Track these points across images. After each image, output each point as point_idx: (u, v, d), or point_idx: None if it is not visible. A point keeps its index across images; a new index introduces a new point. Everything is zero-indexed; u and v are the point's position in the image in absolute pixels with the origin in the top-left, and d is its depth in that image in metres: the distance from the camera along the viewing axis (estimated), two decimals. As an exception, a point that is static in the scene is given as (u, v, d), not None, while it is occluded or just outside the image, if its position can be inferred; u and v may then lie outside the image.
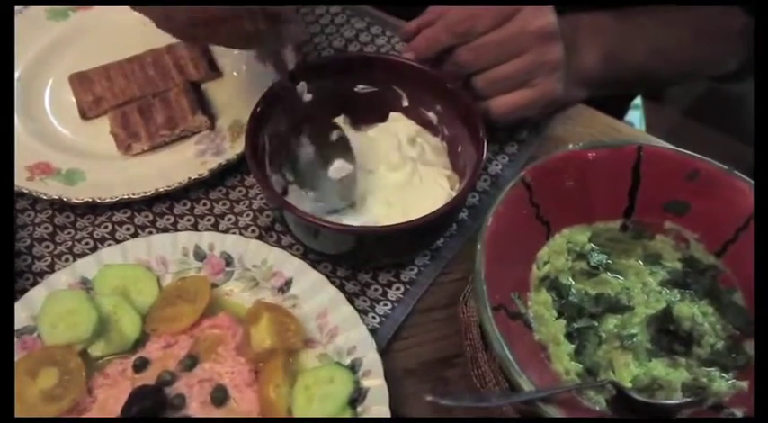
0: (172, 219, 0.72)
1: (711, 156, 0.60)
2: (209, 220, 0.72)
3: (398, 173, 0.69)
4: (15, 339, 0.60)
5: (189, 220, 0.72)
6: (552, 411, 0.49)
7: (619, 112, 1.11)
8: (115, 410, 0.57)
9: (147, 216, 0.72)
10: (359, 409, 0.58)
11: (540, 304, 0.59)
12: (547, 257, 0.61)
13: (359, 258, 0.66)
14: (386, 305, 0.66)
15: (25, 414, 0.56)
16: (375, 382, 0.59)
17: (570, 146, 0.61)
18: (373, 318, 0.65)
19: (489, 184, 0.75)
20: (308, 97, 0.69)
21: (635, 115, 1.45)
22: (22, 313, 0.61)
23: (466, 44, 0.67)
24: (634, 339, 0.57)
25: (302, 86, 0.69)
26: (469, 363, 0.63)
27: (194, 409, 0.58)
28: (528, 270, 0.61)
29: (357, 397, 0.58)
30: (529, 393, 0.49)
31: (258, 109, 0.66)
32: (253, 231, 0.71)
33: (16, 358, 0.58)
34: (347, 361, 0.60)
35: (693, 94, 1.81)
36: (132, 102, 0.79)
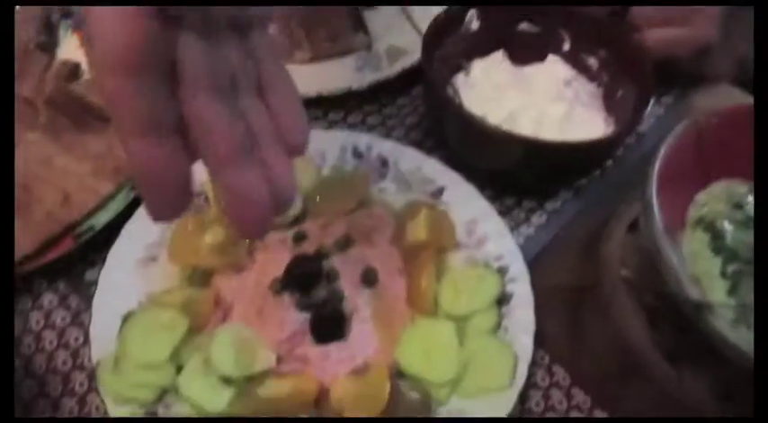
0: (326, 124, 0.75)
1: None
2: (361, 130, 0.74)
3: (555, 107, 0.70)
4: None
5: (341, 129, 0.75)
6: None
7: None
8: (273, 273, 0.60)
9: (303, 117, 0.75)
10: (503, 309, 0.60)
11: (695, 241, 0.59)
12: (705, 201, 0.62)
13: (512, 176, 0.68)
14: (528, 228, 0.68)
15: (195, 263, 0.59)
16: (521, 289, 0.61)
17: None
18: (517, 236, 0.66)
19: (634, 141, 0.76)
20: (475, 25, 0.72)
21: None
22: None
23: None
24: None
25: (471, 14, 0.71)
26: (608, 294, 0.64)
27: (346, 285, 0.60)
28: (684, 210, 0.62)
29: (502, 299, 0.60)
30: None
31: (431, 29, 0.69)
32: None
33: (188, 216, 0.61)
34: (494, 266, 0.62)
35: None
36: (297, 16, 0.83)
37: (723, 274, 0.58)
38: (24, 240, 0.56)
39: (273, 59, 0.39)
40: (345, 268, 0.61)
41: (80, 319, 0.59)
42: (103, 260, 0.59)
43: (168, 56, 0.33)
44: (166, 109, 0.34)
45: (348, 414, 0.53)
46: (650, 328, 0.60)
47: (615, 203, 0.68)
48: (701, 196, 0.62)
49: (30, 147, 0.61)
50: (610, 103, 0.72)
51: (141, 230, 0.61)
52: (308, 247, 0.62)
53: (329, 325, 0.57)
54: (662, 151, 0.58)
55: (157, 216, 0.35)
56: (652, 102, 0.64)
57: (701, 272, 0.58)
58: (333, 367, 0.56)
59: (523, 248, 0.65)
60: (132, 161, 0.33)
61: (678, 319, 0.58)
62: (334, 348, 0.57)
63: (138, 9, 0.32)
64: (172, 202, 0.35)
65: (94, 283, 0.59)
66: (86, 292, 0.60)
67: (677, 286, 0.50)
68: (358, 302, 0.59)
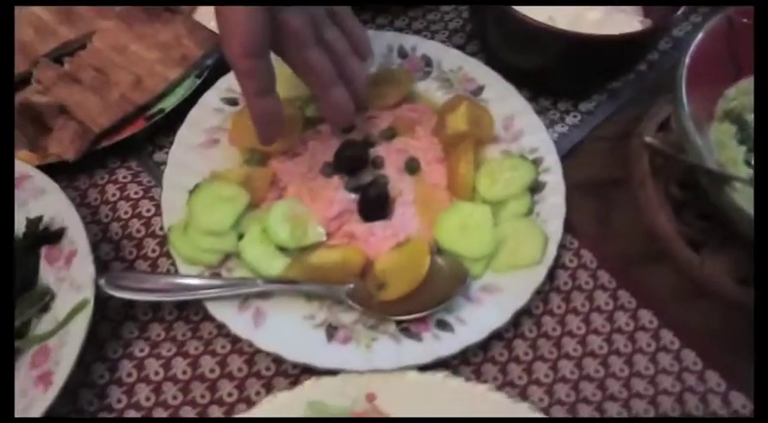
0: (374, 28, 0.79)
1: None
2: (405, 33, 0.78)
3: (591, 11, 0.72)
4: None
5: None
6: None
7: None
8: (324, 158, 0.65)
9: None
10: (536, 197, 0.64)
11: (722, 132, 0.63)
12: (734, 95, 0.65)
13: (548, 76, 0.71)
14: (563, 127, 0.72)
15: (253, 146, 0.64)
16: (554, 178, 0.65)
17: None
18: (552, 134, 0.70)
19: (669, 46, 0.79)
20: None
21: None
22: (224, 84, 0.69)
23: None
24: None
25: None
26: (636, 187, 0.68)
27: (390, 171, 0.65)
28: (713, 104, 0.65)
29: (535, 188, 0.64)
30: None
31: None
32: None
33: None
34: (529, 158, 0.66)
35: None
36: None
37: (747, 162, 0.61)
38: (101, 118, 0.62)
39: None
40: (390, 156, 0.66)
41: (151, 194, 0.65)
42: (170, 143, 0.65)
43: (272, 37, 0.53)
44: (273, 74, 0.54)
45: (390, 283, 0.58)
46: (675, 217, 0.64)
47: (647, 106, 0.71)
48: (731, 91, 0.65)
49: (105, 34, 0.67)
50: (648, 9, 0.74)
51: (204, 116, 0.66)
52: (356, 136, 0.67)
53: (375, 205, 0.62)
54: (693, 45, 0.61)
55: (267, 142, 0.59)
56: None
57: (727, 159, 0.61)
58: (377, 243, 0.61)
59: (557, 144, 0.68)
60: (255, 111, 0.56)
61: (702, 207, 0.63)
62: (378, 226, 0.62)
63: (256, 9, 0.50)
64: (276, 131, 0.58)
65: (163, 163, 0.65)
66: (156, 171, 0.66)
67: (702, 163, 0.54)
68: (401, 187, 0.64)
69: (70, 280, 0.54)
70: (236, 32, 0.50)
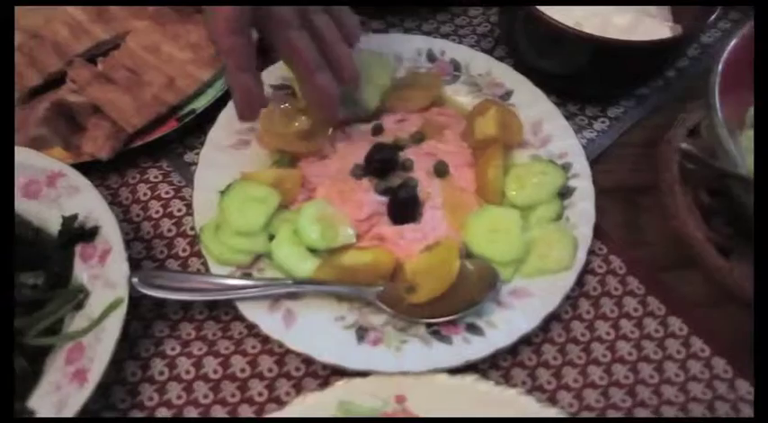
0: (402, 31, 0.79)
1: None
2: (434, 37, 0.78)
3: (621, 17, 0.72)
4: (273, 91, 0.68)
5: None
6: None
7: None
8: (354, 160, 0.65)
9: (380, 24, 0.79)
10: (566, 202, 0.64)
11: (750, 139, 0.63)
12: (765, 102, 0.64)
13: (577, 81, 0.71)
14: (591, 132, 0.72)
15: (282, 148, 0.65)
16: (583, 183, 0.65)
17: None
18: (580, 139, 0.70)
19: (699, 52, 0.79)
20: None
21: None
22: (277, 72, 0.70)
23: None
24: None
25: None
26: (665, 193, 0.67)
27: (420, 174, 0.65)
28: (744, 110, 0.65)
29: (565, 193, 0.64)
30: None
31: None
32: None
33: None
34: (558, 162, 0.66)
35: None
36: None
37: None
38: (134, 118, 0.63)
39: None
40: (419, 159, 0.66)
41: (182, 193, 0.65)
42: (200, 144, 0.66)
43: (258, 13, 0.55)
44: (254, 53, 0.56)
45: (421, 286, 0.59)
46: (705, 224, 0.64)
47: (676, 111, 0.71)
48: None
49: (138, 34, 0.67)
50: (678, 15, 0.74)
51: (235, 117, 0.66)
52: (385, 139, 0.67)
53: (405, 208, 0.63)
54: (726, 51, 0.61)
55: (246, 118, 0.60)
56: (718, 9, 0.66)
57: (751, 170, 0.61)
58: (407, 246, 0.61)
59: (585, 150, 0.68)
60: (235, 87, 0.57)
61: (731, 214, 0.63)
62: (408, 229, 0.62)
63: None
64: (256, 107, 0.59)
65: (193, 163, 0.66)
66: (186, 171, 0.66)
67: (734, 169, 0.54)
68: (430, 190, 0.64)
69: (104, 278, 0.55)
70: (221, 11, 0.53)
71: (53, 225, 0.58)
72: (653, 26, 0.72)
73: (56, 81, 0.67)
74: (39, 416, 0.50)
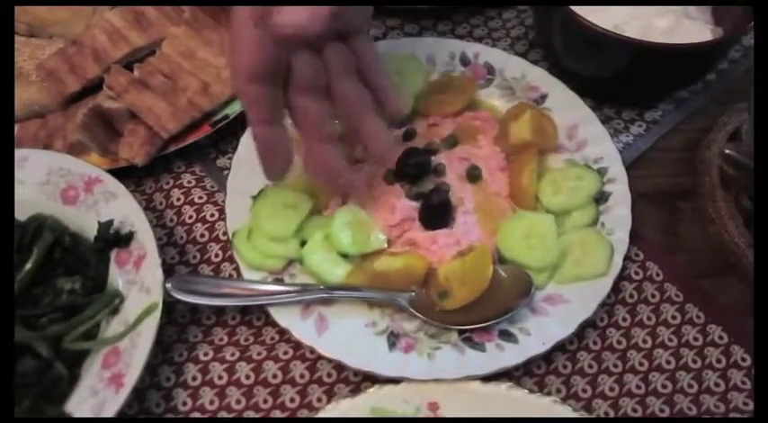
0: (436, 35, 0.78)
1: None
2: (467, 40, 0.77)
3: (663, 19, 0.71)
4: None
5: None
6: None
7: None
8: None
9: (413, 27, 0.79)
10: (601, 207, 0.63)
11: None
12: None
13: (614, 85, 0.70)
14: (627, 136, 0.70)
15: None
16: (619, 189, 0.64)
17: None
18: (616, 143, 0.69)
19: (740, 55, 0.77)
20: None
21: None
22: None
23: None
24: None
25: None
26: (706, 198, 0.66)
27: (452, 179, 0.65)
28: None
29: (600, 198, 0.63)
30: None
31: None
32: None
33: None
34: (594, 168, 0.65)
35: None
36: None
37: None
38: (170, 124, 0.63)
39: (370, 51, 0.54)
40: (452, 164, 0.65)
41: (214, 198, 0.66)
42: (233, 149, 0.66)
43: (284, 68, 0.50)
44: (280, 105, 0.51)
45: (454, 292, 0.58)
46: (746, 230, 0.62)
47: (716, 115, 0.69)
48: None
49: (174, 40, 0.68)
50: (719, 17, 0.72)
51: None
52: (418, 144, 0.66)
53: (437, 213, 0.62)
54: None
55: (271, 177, 0.56)
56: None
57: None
58: (439, 251, 0.61)
59: (621, 154, 0.67)
60: (256, 140, 0.52)
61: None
62: (440, 234, 0.61)
63: (266, 36, 0.47)
64: (280, 166, 0.55)
65: (225, 168, 0.66)
66: (219, 176, 0.67)
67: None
68: (463, 195, 0.64)
69: (140, 283, 0.55)
70: (243, 55, 0.49)
71: (90, 230, 0.58)
72: (693, 29, 0.70)
73: (93, 87, 0.68)
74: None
